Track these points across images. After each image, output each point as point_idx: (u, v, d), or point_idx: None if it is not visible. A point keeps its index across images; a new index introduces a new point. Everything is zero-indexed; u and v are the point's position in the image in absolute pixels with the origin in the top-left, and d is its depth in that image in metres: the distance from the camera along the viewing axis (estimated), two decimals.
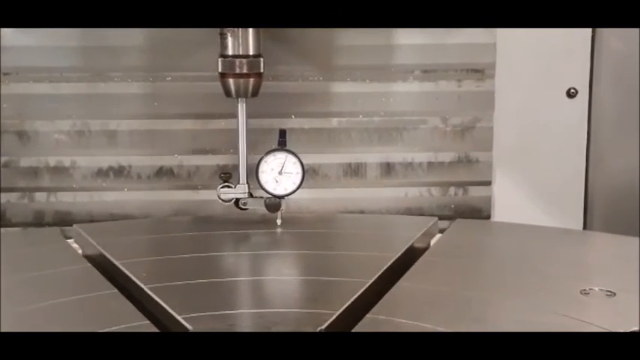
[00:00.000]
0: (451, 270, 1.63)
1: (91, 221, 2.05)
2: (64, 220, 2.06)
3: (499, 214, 2.15)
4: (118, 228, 1.96)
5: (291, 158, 1.88)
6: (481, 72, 2.11)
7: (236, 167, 1.93)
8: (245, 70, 1.84)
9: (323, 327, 1.31)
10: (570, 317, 1.33)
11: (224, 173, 1.91)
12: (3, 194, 2.06)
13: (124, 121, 2.07)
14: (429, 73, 2.11)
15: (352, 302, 1.40)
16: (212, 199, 1.98)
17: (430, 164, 2.14)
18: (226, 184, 1.89)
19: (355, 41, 2.08)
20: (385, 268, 1.57)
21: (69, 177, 2.07)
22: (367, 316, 1.35)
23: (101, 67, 2.05)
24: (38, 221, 2.07)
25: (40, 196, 2.07)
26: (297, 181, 1.87)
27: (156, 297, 1.43)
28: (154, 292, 1.46)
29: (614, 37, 2.08)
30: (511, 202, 2.15)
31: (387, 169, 2.14)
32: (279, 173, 1.88)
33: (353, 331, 1.30)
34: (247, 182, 1.90)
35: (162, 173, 2.09)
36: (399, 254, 1.65)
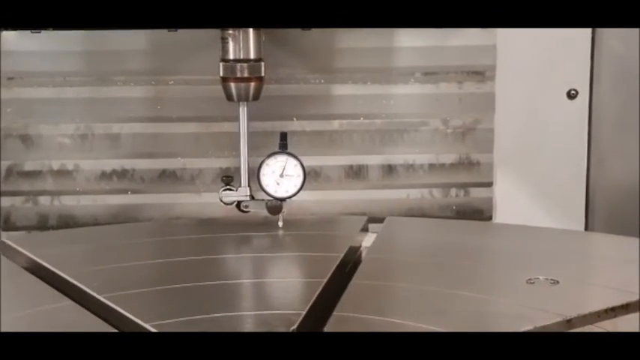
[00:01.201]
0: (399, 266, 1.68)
1: (96, 224, 2.06)
2: (67, 224, 2.08)
3: (500, 216, 2.16)
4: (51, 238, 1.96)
5: (292, 161, 1.89)
6: (482, 74, 2.12)
7: (238, 170, 1.94)
8: (246, 75, 1.85)
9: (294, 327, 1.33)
10: (517, 304, 1.41)
11: (226, 176, 1.92)
12: (8, 198, 2.08)
13: (127, 125, 2.08)
14: (429, 75, 2.12)
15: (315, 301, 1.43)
16: (215, 202, 1.99)
17: (431, 166, 2.15)
18: (228, 186, 1.90)
19: (356, 44, 2.09)
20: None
21: (72, 180, 2.09)
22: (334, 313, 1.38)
23: (104, 71, 2.07)
24: (42, 225, 2.08)
25: (44, 200, 2.09)
26: (299, 184, 1.88)
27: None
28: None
29: (614, 38, 2.09)
30: (512, 203, 2.16)
31: (389, 170, 2.15)
32: (281, 176, 1.88)
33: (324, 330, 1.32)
34: (249, 185, 1.91)
35: (165, 176, 2.11)
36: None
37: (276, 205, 1.89)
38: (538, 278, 1.51)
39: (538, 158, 2.16)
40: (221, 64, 1.86)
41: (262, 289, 1.60)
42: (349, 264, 1.70)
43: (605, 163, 2.13)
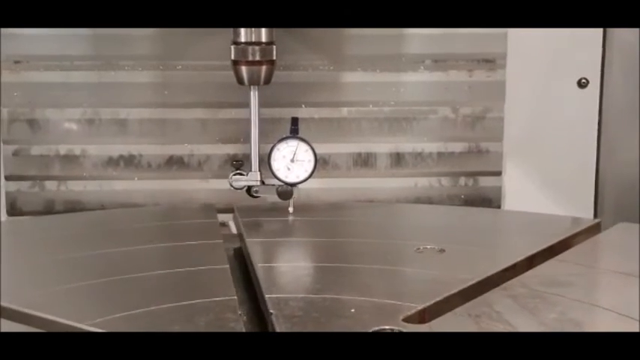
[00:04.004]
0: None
1: (102, 209, 2.05)
2: (74, 209, 2.06)
3: (509, 204, 2.15)
4: None
5: (303, 146, 1.88)
6: (492, 62, 2.11)
7: (246, 157, 1.93)
8: (258, 58, 1.84)
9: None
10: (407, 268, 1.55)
11: (236, 161, 1.91)
12: (14, 183, 2.06)
13: (135, 110, 2.07)
14: (439, 62, 2.11)
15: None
16: (222, 188, 1.98)
17: (440, 154, 2.14)
18: (238, 171, 1.89)
19: (365, 31, 2.07)
20: None
21: (79, 166, 2.07)
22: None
23: (112, 56, 2.05)
24: (49, 210, 2.06)
25: (50, 185, 2.07)
26: (310, 169, 1.87)
27: None
28: None
29: (625, 28, 2.08)
30: (521, 192, 2.15)
31: (397, 158, 2.13)
32: (292, 161, 1.87)
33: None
34: (259, 170, 1.89)
35: (173, 162, 2.09)
36: None
37: (286, 191, 1.87)
38: (426, 247, 1.62)
39: (548, 147, 2.15)
40: (232, 46, 1.84)
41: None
42: None
43: (615, 152, 2.13)
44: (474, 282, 1.42)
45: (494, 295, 1.39)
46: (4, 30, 1.99)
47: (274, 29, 1.85)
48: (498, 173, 2.14)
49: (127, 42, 2.05)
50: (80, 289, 1.44)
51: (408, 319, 1.28)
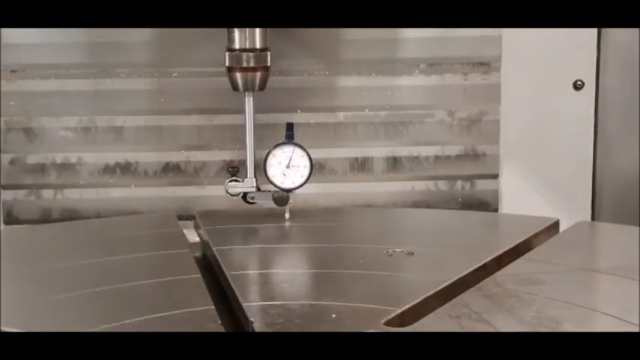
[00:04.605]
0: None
1: (99, 217, 2.05)
2: (71, 217, 2.06)
3: (506, 207, 2.15)
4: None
5: (299, 152, 1.88)
6: (487, 65, 2.11)
7: (242, 163, 1.93)
8: (252, 64, 1.84)
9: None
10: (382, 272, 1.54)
11: (232, 167, 1.91)
12: (10, 192, 2.06)
13: (131, 117, 2.07)
14: (434, 66, 2.11)
15: None
16: (218, 195, 1.98)
17: (437, 158, 2.14)
18: (234, 178, 1.89)
19: (361, 35, 2.08)
20: None
21: (75, 173, 2.07)
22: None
23: (107, 63, 2.05)
24: (45, 218, 2.06)
25: (46, 193, 2.07)
26: (305, 175, 1.87)
27: None
28: None
29: (620, 29, 2.08)
30: (518, 194, 2.15)
31: (394, 163, 2.13)
32: (287, 167, 1.87)
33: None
34: (255, 176, 1.89)
35: (169, 169, 2.09)
36: None
37: (282, 197, 1.87)
38: (395, 250, 1.64)
39: (544, 150, 2.15)
40: (227, 53, 1.84)
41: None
42: None
43: (611, 154, 2.13)
44: (448, 283, 1.44)
45: (470, 296, 1.40)
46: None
47: (268, 35, 1.85)
48: (495, 176, 2.14)
49: (122, 49, 2.05)
50: (54, 302, 1.40)
51: (389, 323, 1.28)
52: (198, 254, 1.79)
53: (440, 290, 1.41)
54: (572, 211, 2.12)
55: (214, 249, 1.67)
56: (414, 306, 1.34)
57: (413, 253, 1.62)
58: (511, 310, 1.33)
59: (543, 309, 1.34)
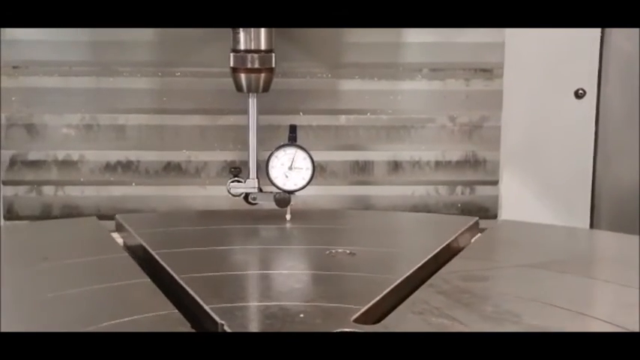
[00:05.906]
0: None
1: (98, 215, 2.05)
2: (71, 214, 2.06)
3: (506, 214, 2.15)
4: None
5: (301, 153, 1.88)
6: (489, 71, 2.11)
7: (243, 164, 1.93)
8: (257, 65, 1.84)
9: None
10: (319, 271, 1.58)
11: (234, 168, 1.91)
12: (11, 187, 2.06)
13: (133, 116, 2.07)
14: (437, 71, 2.11)
15: None
16: (219, 195, 1.98)
17: (438, 163, 2.14)
18: (236, 178, 1.89)
19: (364, 39, 2.08)
20: None
21: (77, 171, 2.07)
22: None
23: (110, 62, 2.05)
24: (46, 215, 2.06)
25: (48, 190, 2.07)
26: (307, 177, 1.87)
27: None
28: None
29: (622, 38, 2.09)
30: (518, 201, 2.15)
31: (395, 167, 2.14)
32: (289, 168, 1.87)
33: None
34: (257, 177, 1.90)
35: (170, 168, 2.09)
36: None
37: (284, 198, 1.88)
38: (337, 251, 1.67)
39: (545, 157, 2.15)
40: (232, 54, 1.85)
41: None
42: None
43: (611, 162, 2.13)
44: (400, 281, 1.45)
45: (425, 293, 1.42)
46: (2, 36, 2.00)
47: (273, 37, 1.86)
48: (495, 182, 2.15)
49: (125, 48, 2.05)
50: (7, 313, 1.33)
51: (357, 320, 1.29)
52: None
53: (394, 288, 1.43)
54: (570, 218, 2.13)
55: (154, 252, 1.62)
56: (375, 303, 1.36)
57: (354, 254, 1.64)
58: (469, 306, 1.36)
59: (499, 303, 1.38)
